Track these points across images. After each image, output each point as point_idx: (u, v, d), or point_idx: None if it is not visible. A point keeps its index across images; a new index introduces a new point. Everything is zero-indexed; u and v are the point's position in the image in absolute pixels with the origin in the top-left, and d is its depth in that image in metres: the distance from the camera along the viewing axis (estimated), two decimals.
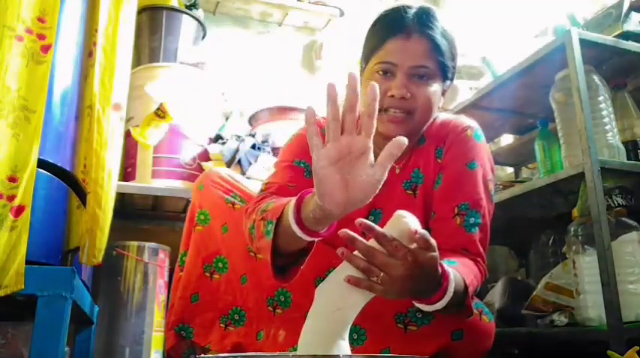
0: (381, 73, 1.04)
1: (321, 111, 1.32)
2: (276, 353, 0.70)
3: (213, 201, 1.20)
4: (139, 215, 2.27)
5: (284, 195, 1.00)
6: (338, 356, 0.67)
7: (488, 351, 1.06)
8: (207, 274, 1.19)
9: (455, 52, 1.08)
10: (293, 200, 0.86)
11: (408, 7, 1.06)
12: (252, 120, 2.41)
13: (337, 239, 1.13)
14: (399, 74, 1.02)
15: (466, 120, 1.14)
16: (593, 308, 1.33)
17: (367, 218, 1.12)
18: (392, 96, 1.02)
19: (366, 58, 1.08)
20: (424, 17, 1.04)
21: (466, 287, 0.89)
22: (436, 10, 1.08)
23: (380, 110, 1.00)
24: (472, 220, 1.04)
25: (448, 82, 1.08)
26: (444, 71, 1.05)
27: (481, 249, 1.03)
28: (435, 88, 1.04)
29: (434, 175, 1.10)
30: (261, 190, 1.08)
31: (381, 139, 1.12)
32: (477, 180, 1.06)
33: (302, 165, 1.10)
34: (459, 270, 0.90)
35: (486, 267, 1.04)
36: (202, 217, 1.21)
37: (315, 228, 0.84)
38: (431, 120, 1.10)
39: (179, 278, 1.23)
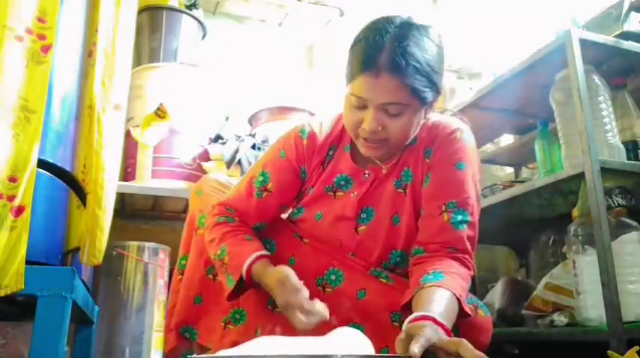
0: (355, 103, 1.03)
1: (321, 112, 1.32)
2: (276, 353, 0.70)
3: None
4: (139, 215, 2.27)
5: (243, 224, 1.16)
6: (337, 355, 0.66)
7: (486, 346, 1.06)
8: (210, 276, 1.20)
9: (436, 78, 1.03)
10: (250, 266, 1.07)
11: (384, 34, 0.99)
12: (252, 120, 2.41)
13: (333, 237, 1.14)
14: (371, 108, 1.01)
15: (456, 123, 1.14)
16: (593, 308, 1.33)
17: (359, 216, 1.14)
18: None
19: (346, 79, 1.06)
20: (393, 56, 0.97)
21: (458, 299, 0.92)
22: (415, 33, 1.00)
23: (357, 136, 1.07)
24: (460, 217, 1.04)
25: (431, 102, 1.05)
26: (422, 99, 1.02)
27: (468, 246, 1.04)
28: (410, 117, 1.03)
29: (422, 175, 1.11)
30: (228, 207, 1.18)
31: (363, 155, 1.13)
32: (465, 180, 1.07)
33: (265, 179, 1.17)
34: (447, 285, 0.92)
35: (475, 264, 1.06)
36: (204, 220, 1.21)
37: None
38: (415, 134, 1.09)
39: (179, 281, 1.23)
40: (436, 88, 1.04)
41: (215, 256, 1.12)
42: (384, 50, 0.98)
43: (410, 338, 0.74)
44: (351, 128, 1.06)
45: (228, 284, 1.09)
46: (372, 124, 1.01)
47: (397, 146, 1.08)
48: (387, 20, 1.03)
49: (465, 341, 0.73)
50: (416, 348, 0.71)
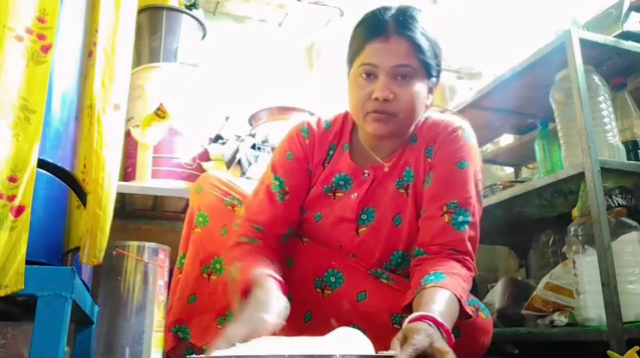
0: (364, 76, 1.05)
1: (320, 112, 1.32)
2: (275, 353, 0.70)
3: (212, 203, 1.21)
4: (139, 215, 2.27)
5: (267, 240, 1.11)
6: (337, 355, 0.66)
7: (487, 348, 1.06)
8: (205, 275, 1.19)
9: (438, 50, 1.08)
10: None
11: (387, 8, 1.07)
12: (252, 120, 2.41)
13: (333, 239, 1.14)
14: (381, 75, 1.03)
15: (457, 121, 1.14)
16: (593, 308, 1.33)
17: (360, 216, 1.13)
18: (376, 98, 1.03)
19: (350, 62, 1.09)
20: (401, 18, 1.04)
21: (459, 300, 0.91)
22: (416, 10, 1.08)
23: (367, 113, 1.06)
24: (461, 218, 1.04)
25: (434, 80, 1.08)
26: (428, 69, 1.05)
27: (469, 248, 1.04)
28: (419, 87, 1.05)
29: (424, 175, 1.11)
30: (247, 221, 1.14)
31: (369, 137, 1.13)
32: (466, 180, 1.07)
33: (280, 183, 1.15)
34: (448, 286, 0.91)
35: (476, 264, 1.05)
36: (201, 219, 1.21)
37: None
38: (418, 118, 1.10)
39: (178, 281, 1.23)
40: (438, 64, 1.08)
41: (229, 275, 1.07)
42: (391, 17, 1.05)
43: (406, 339, 0.74)
44: (361, 104, 1.06)
45: (234, 301, 1.02)
46: (384, 91, 1.02)
47: (404, 123, 1.07)
48: (386, 5, 1.08)
49: (451, 352, 0.73)
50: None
